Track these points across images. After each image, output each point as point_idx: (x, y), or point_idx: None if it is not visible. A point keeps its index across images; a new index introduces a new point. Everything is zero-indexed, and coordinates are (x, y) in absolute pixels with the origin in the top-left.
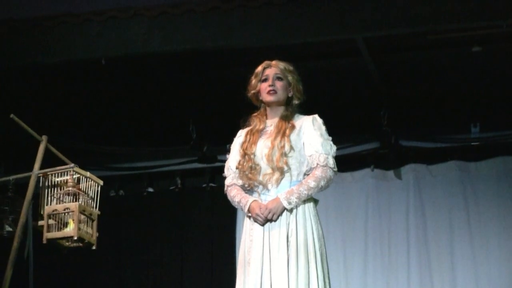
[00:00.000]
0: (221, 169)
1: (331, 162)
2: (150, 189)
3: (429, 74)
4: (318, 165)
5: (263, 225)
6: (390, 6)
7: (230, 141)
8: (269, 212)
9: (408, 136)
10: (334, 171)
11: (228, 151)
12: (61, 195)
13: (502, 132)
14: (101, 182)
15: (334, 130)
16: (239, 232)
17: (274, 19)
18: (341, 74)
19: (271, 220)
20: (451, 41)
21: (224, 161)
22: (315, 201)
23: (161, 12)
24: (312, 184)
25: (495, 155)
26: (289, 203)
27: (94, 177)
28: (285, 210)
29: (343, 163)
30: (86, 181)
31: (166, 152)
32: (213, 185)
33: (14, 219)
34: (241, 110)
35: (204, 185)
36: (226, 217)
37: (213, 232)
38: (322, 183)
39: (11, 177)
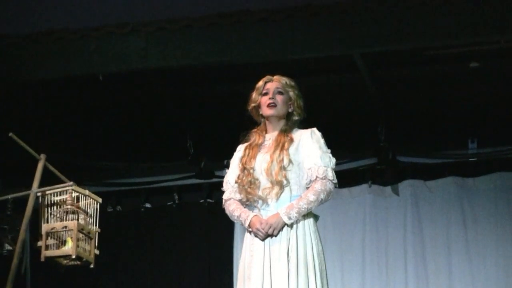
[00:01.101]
0: (219, 184)
1: (331, 174)
2: (148, 205)
3: (426, 90)
4: (317, 178)
5: (263, 240)
6: (388, 22)
7: (228, 156)
8: (270, 227)
9: (405, 152)
10: (333, 183)
11: (226, 166)
12: (60, 214)
13: (500, 148)
14: (100, 200)
15: (331, 146)
16: (237, 248)
17: (271, 35)
18: (339, 90)
19: (271, 235)
20: (449, 57)
21: (222, 176)
22: (315, 217)
23: (158, 28)
24: (312, 197)
25: (493, 171)
26: (289, 218)
27: (93, 195)
28: (286, 225)
29: (341, 179)
30: (85, 199)
31: (164, 168)
32: (210, 200)
33: (13, 237)
34: (239, 126)
35: (201, 201)
36: (223, 233)
37: (211, 247)
38: (322, 196)
39: (10, 196)
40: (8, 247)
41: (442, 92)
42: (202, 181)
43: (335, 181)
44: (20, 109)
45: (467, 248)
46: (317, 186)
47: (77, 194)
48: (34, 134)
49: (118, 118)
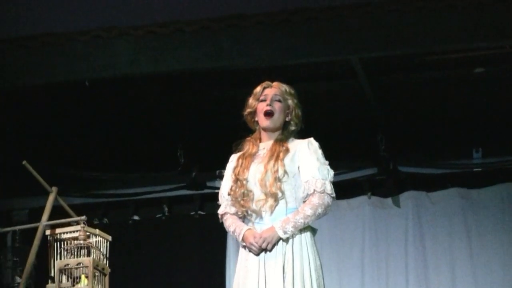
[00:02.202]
0: (211, 196)
1: (329, 188)
2: (136, 217)
3: (428, 97)
4: (315, 192)
5: (257, 254)
6: (387, 25)
7: (221, 166)
8: (264, 241)
9: (406, 162)
10: (332, 197)
11: (218, 176)
12: (73, 249)
13: (506, 158)
14: (110, 238)
15: (328, 156)
16: (229, 262)
17: (266, 40)
18: (336, 97)
19: (265, 250)
20: (452, 62)
21: (214, 187)
22: (313, 231)
23: (148, 32)
24: (309, 212)
25: (498, 182)
26: (285, 233)
27: (103, 233)
28: (281, 240)
29: (339, 190)
30: (95, 237)
31: (153, 178)
32: (202, 213)
33: (23, 270)
34: (232, 134)
35: (192, 213)
36: (216, 247)
37: (203, 262)
38: (320, 210)
39: (17, 228)
40: (18, 279)
41: (445, 99)
42: (193, 192)
43: (334, 195)
44: (3, 116)
45: (472, 262)
46: (315, 199)
47: (88, 233)
48: (17, 142)
49: (105, 126)
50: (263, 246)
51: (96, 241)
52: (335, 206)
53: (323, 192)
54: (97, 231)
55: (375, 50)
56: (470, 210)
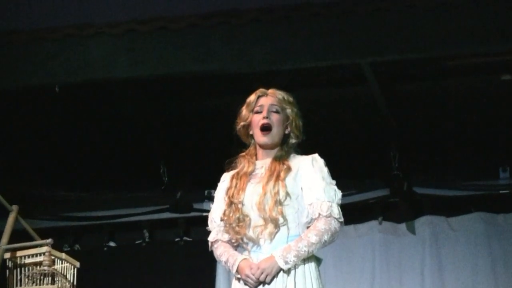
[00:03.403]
0: (198, 220)
1: (336, 211)
2: (112, 243)
3: (448, 108)
4: (320, 216)
5: None
6: (403, 25)
7: (210, 186)
8: (262, 273)
9: (423, 182)
10: (340, 222)
11: (207, 198)
12: (36, 276)
13: None
14: (78, 264)
15: (334, 174)
16: None
17: (263, 40)
18: (343, 107)
19: (264, 283)
20: (475, 68)
21: (202, 210)
22: (318, 261)
23: (127, 30)
24: (314, 238)
25: None
26: (286, 263)
27: (70, 259)
28: (281, 271)
29: (345, 214)
30: (61, 263)
31: (131, 199)
32: (188, 239)
33: None
34: (224, 149)
35: (177, 239)
36: (203, 279)
37: None
38: (326, 237)
39: None
40: None
41: (467, 110)
42: (178, 215)
43: (342, 219)
44: None
45: None
46: (320, 225)
47: (53, 257)
48: None
49: (77, 138)
50: (261, 278)
51: (62, 267)
52: (341, 232)
53: (330, 216)
54: (64, 255)
55: (388, 53)
56: (496, 238)
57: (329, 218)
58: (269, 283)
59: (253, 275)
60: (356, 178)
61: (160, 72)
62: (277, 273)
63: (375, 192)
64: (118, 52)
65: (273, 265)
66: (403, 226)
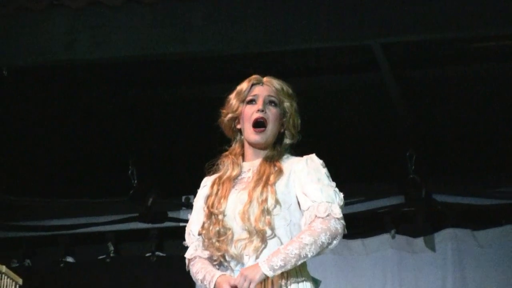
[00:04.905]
0: (173, 231)
1: (337, 211)
2: (70, 259)
3: (475, 100)
4: (317, 217)
5: None
6: (421, 1)
7: (188, 191)
8: (245, 280)
9: (444, 188)
10: (341, 222)
11: (185, 205)
12: None
13: None
14: (20, 281)
15: (337, 178)
16: None
17: (255, 16)
18: (349, 97)
19: None
20: (506, 52)
21: (179, 220)
22: (316, 282)
23: (90, 3)
24: (307, 239)
25: None
26: (271, 268)
27: (11, 273)
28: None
29: (352, 226)
30: (1, 279)
31: (94, 205)
32: (161, 254)
33: None
34: (205, 148)
35: (148, 254)
36: None
37: None
38: (323, 237)
39: None
40: None
41: (496, 102)
42: (150, 225)
43: (343, 220)
44: None
45: None
46: (316, 225)
47: None
48: None
49: (29, 132)
50: (244, 286)
51: (1, 283)
52: (347, 248)
53: (329, 215)
54: (4, 268)
55: (403, 33)
56: None
57: (327, 217)
58: None
59: (234, 282)
60: (364, 182)
61: (130, 54)
62: (261, 280)
63: (388, 200)
64: (80, 30)
65: (257, 271)
66: (420, 240)
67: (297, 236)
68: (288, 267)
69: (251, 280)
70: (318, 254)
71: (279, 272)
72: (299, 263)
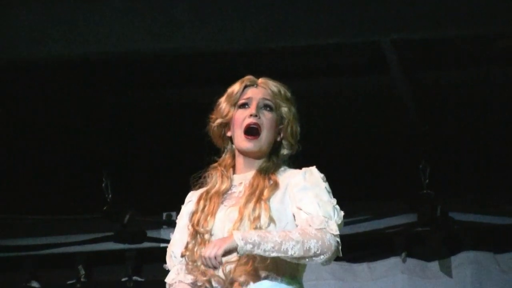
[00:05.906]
0: (153, 253)
1: (333, 227)
2: (35, 284)
3: (497, 106)
4: (311, 227)
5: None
6: None
7: (170, 207)
8: (214, 246)
9: (462, 205)
10: (337, 240)
11: (166, 223)
12: None
13: None
14: None
15: (340, 193)
16: None
17: (248, 8)
18: (355, 102)
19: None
20: None
21: (159, 240)
22: None
23: None
24: (296, 235)
25: None
26: (244, 239)
27: None
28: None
29: (357, 248)
30: None
31: (62, 223)
32: (138, 279)
33: None
34: (191, 158)
35: (124, 279)
36: None
37: None
38: (313, 244)
39: None
40: None
41: None
42: (126, 246)
43: (339, 238)
44: None
45: None
46: (311, 230)
47: None
48: None
49: None
50: (211, 253)
51: None
52: (351, 273)
53: (324, 228)
54: None
55: (418, 29)
56: None
57: (323, 230)
58: (220, 262)
59: (203, 254)
60: (370, 198)
61: (106, 50)
62: (232, 251)
63: (397, 218)
64: (49, 24)
65: (228, 238)
66: (435, 265)
67: (288, 230)
68: (261, 249)
69: (220, 246)
70: (299, 260)
71: (249, 248)
72: (275, 255)
